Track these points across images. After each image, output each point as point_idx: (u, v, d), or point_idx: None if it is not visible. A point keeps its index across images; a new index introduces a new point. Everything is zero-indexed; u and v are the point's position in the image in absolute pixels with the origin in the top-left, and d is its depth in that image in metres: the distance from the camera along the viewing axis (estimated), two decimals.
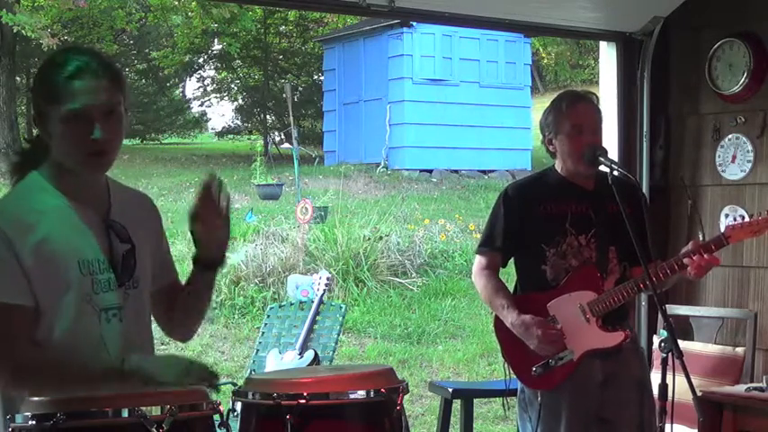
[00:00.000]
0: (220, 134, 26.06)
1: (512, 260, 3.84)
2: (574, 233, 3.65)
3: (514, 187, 3.85)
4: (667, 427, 3.17)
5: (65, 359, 2.36)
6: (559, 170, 3.73)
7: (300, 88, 23.62)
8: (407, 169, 16.23)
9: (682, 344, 3.29)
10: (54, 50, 2.49)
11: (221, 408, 2.30)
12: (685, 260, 3.55)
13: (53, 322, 2.37)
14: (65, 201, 2.42)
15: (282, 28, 23.41)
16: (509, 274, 3.85)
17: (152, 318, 2.64)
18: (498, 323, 3.75)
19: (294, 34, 23.59)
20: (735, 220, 4.90)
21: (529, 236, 3.69)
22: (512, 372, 3.74)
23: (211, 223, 2.51)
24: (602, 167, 3.62)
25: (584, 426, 3.67)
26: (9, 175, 2.54)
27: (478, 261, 3.82)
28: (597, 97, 3.76)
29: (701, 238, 3.79)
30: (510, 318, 3.65)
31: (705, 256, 3.53)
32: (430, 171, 16.34)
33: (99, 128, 2.33)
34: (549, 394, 3.66)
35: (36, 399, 2.21)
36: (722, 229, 3.87)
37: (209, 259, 2.58)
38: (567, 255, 3.65)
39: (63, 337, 2.38)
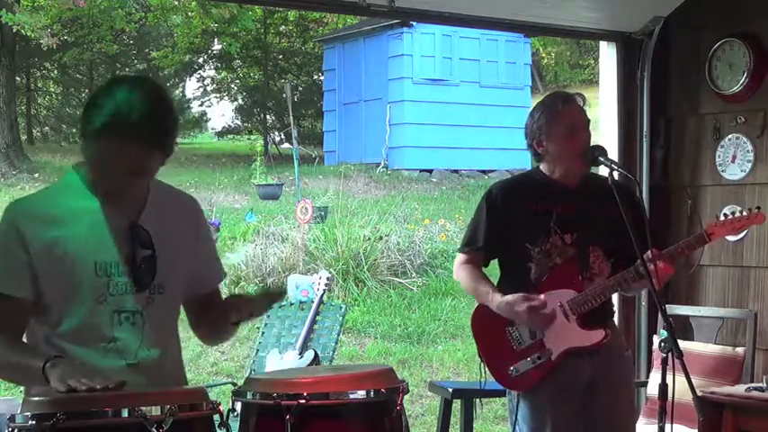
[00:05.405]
0: (220, 134, 26.06)
1: (494, 261, 3.80)
2: (558, 232, 3.61)
3: (498, 187, 3.78)
4: (667, 427, 3.17)
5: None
6: (546, 171, 3.70)
7: (300, 88, 23.63)
8: (407, 169, 16.23)
9: (682, 344, 3.28)
10: (107, 81, 2.49)
11: (221, 408, 2.31)
12: (641, 269, 3.41)
13: (62, 317, 2.43)
14: (95, 203, 2.46)
15: (282, 28, 23.41)
16: (493, 275, 3.79)
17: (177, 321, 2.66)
18: (476, 316, 3.72)
19: (294, 34, 23.58)
20: None
21: (513, 235, 3.64)
22: (487, 371, 3.67)
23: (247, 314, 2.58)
24: (601, 167, 3.63)
25: (569, 430, 3.63)
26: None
27: (459, 258, 3.79)
28: (583, 96, 3.75)
29: None
30: (495, 301, 3.60)
31: (660, 264, 3.40)
32: (430, 171, 16.34)
33: (121, 181, 2.41)
34: (533, 397, 3.62)
35: (36, 399, 2.22)
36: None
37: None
38: (551, 253, 3.60)
39: (71, 333, 2.43)
